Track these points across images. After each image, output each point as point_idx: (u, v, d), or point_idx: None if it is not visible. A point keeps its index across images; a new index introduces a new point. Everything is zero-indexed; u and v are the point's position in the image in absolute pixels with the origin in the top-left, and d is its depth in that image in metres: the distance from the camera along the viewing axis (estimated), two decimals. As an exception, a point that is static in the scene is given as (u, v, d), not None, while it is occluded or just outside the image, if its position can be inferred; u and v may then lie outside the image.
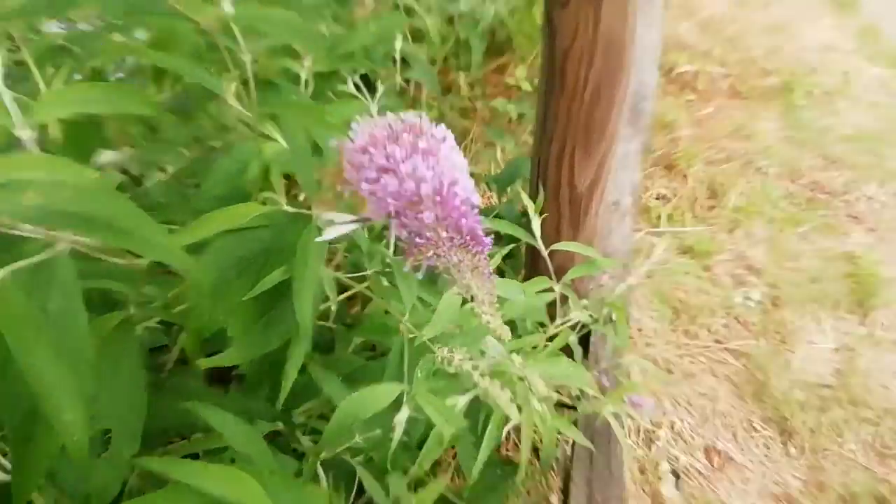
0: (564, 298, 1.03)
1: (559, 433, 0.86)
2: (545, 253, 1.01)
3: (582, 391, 1.02)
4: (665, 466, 1.58)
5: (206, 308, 0.63)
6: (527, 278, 1.05)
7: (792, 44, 3.20)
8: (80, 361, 0.49)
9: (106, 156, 0.81)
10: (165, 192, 0.90)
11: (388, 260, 0.73)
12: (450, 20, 1.88)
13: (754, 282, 2.06)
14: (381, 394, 0.69)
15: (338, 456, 0.77)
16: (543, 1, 1.10)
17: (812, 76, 2.95)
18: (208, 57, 0.88)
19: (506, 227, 1.01)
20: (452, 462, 1.29)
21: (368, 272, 0.83)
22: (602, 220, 1.33)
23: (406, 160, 0.47)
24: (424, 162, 0.47)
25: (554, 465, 1.44)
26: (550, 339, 0.98)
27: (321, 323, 0.94)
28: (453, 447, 0.85)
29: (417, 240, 0.46)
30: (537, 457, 1.33)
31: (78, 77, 0.97)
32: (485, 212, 1.46)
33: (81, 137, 0.74)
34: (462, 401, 0.72)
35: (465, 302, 0.73)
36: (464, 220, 0.46)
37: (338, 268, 0.99)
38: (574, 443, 1.15)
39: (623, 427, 1.40)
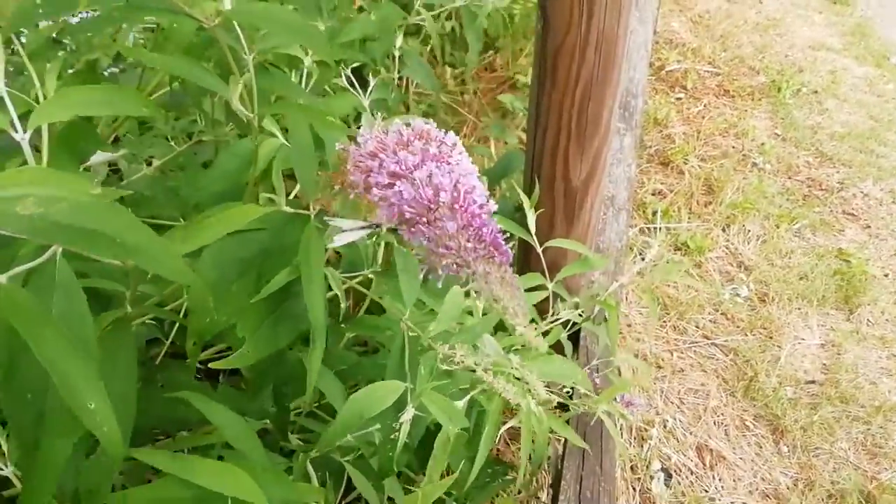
0: (556, 294, 1.02)
1: (551, 432, 0.85)
2: (538, 249, 1.00)
3: (573, 388, 1.01)
4: (656, 465, 1.58)
5: (208, 310, 0.63)
6: (520, 272, 1.05)
7: (782, 42, 3.21)
8: (90, 360, 0.48)
9: (98, 156, 0.80)
10: (150, 185, 0.89)
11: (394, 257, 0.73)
12: (445, 14, 1.87)
13: (743, 278, 2.07)
14: (385, 391, 0.68)
15: (327, 454, 0.76)
16: (537, -5, 1.09)
17: (800, 75, 2.97)
18: (206, 54, 0.87)
19: (499, 222, 1.00)
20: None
21: (367, 272, 0.83)
22: (597, 214, 1.33)
23: (420, 167, 0.47)
24: (439, 169, 0.46)
25: (546, 463, 1.44)
26: (541, 335, 0.98)
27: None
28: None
29: (441, 249, 0.45)
30: (529, 456, 1.33)
31: (71, 70, 0.96)
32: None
33: (74, 135, 0.73)
34: (460, 404, 0.71)
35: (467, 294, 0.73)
36: (485, 229, 0.46)
37: (328, 263, 0.98)
38: (566, 440, 1.15)
39: (616, 425, 1.40)
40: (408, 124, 0.51)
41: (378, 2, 1.30)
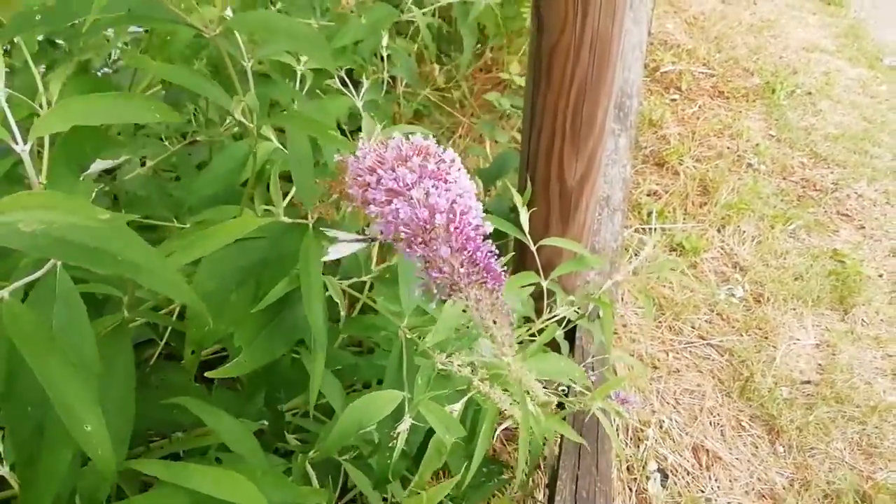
0: (551, 293, 1.02)
1: (547, 434, 0.85)
2: (533, 248, 1.00)
3: (569, 387, 1.01)
4: (652, 465, 1.58)
5: (206, 319, 0.63)
6: (515, 272, 1.05)
7: (776, 43, 3.22)
8: (90, 375, 0.49)
9: (98, 164, 0.80)
10: (144, 184, 0.89)
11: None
12: (439, 14, 1.87)
13: (738, 278, 2.07)
14: (383, 401, 0.69)
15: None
16: (532, -6, 1.09)
17: (794, 76, 2.98)
18: (199, 54, 0.87)
19: (493, 222, 1.00)
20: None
21: (365, 278, 0.83)
22: (592, 215, 1.33)
23: (417, 185, 0.47)
24: (436, 188, 0.46)
25: (542, 462, 1.44)
26: (535, 334, 0.98)
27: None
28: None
29: (434, 273, 0.45)
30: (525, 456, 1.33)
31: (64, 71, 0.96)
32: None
33: (77, 140, 0.73)
34: (457, 406, 0.71)
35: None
36: (478, 254, 0.46)
37: (324, 267, 0.99)
38: (562, 440, 1.15)
39: (612, 424, 1.40)
40: (408, 137, 0.51)
41: (363, 2, 1.30)
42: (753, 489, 1.56)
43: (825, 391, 1.77)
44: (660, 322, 1.93)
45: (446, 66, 2.36)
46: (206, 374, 0.68)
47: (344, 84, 1.07)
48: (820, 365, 1.85)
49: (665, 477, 1.57)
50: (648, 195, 2.34)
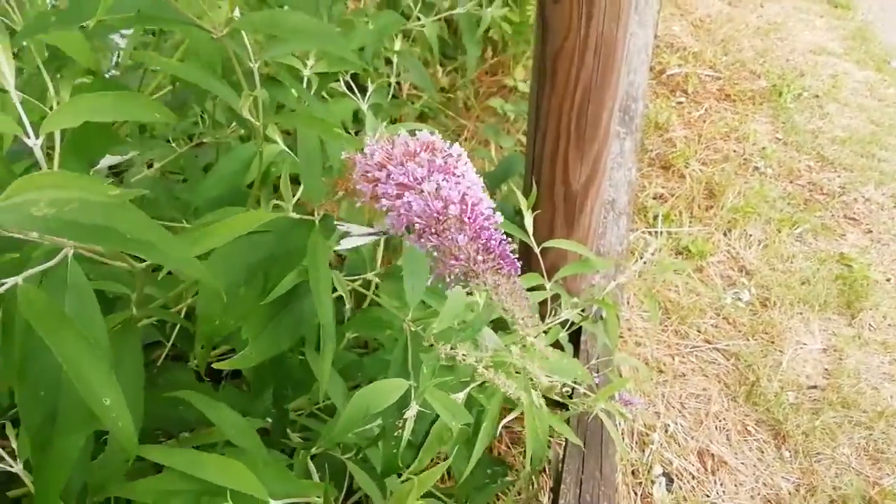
0: (556, 296, 1.02)
1: (551, 434, 0.85)
2: (537, 250, 1.01)
3: (573, 389, 1.02)
4: (657, 469, 1.58)
5: (216, 314, 0.64)
6: (520, 275, 1.05)
7: (783, 46, 3.22)
8: (104, 356, 0.50)
9: (107, 160, 0.81)
10: (152, 186, 0.90)
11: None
12: (445, 19, 1.88)
13: (745, 282, 2.07)
14: (389, 389, 0.69)
15: (327, 452, 0.76)
16: (537, -1, 1.10)
17: (801, 79, 2.97)
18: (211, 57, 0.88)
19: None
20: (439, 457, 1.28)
21: (370, 275, 0.84)
22: (597, 218, 1.33)
23: (427, 178, 0.48)
24: (447, 181, 0.47)
25: (546, 466, 1.44)
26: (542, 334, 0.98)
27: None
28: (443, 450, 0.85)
29: (450, 260, 0.46)
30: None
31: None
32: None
33: (87, 137, 0.74)
34: (460, 396, 0.72)
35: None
36: (493, 241, 0.47)
37: (330, 266, 0.99)
38: (566, 443, 1.15)
39: (616, 427, 1.39)
40: (413, 133, 0.51)
41: (364, 9, 1.31)
42: (759, 494, 1.56)
43: (832, 396, 1.76)
44: (665, 326, 1.92)
45: (450, 70, 2.37)
46: (213, 366, 0.69)
47: (350, 89, 1.07)
48: (827, 370, 1.84)
49: (670, 481, 1.56)
50: (654, 198, 2.33)
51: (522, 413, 0.75)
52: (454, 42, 2.19)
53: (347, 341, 0.94)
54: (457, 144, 0.51)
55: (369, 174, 0.50)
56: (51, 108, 0.60)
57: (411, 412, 0.67)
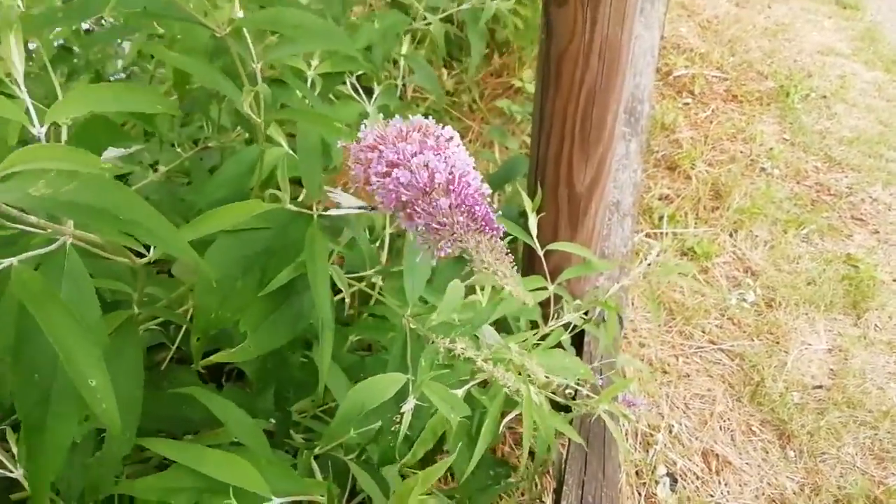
0: (559, 298, 1.03)
1: (555, 433, 0.86)
2: (540, 252, 1.01)
3: (576, 391, 1.02)
4: (662, 470, 1.58)
5: (213, 307, 0.64)
6: (524, 276, 1.05)
7: (790, 47, 3.21)
8: (96, 341, 0.50)
9: (110, 152, 0.82)
10: (157, 190, 0.91)
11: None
12: (450, 20, 1.88)
13: (750, 283, 2.07)
14: (386, 383, 0.70)
15: (330, 452, 0.77)
16: (542, 0, 1.10)
17: (808, 80, 2.96)
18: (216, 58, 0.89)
19: (503, 226, 1.01)
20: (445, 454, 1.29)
21: (370, 272, 0.84)
22: (601, 220, 1.33)
23: (417, 155, 0.48)
24: (437, 156, 0.48)
25: (549, 467, 1.44)
26: (543, 338, 0.98)
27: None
28: (446, 450, 0.86)
29: (434, 226, 0.47)
30: (533, 458, 1.33)
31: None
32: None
33: (92, 131, 0.75)
34: (459, 393, 0.72)
35: (468, 295, 0.75)
36: (477, 207, 0.47)
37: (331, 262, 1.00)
38: (569, 444, 1.15)
39: (619, 428, 1.39)
40: (406, 118, 0.52)
41: (373, 12, 1.31)
42: (764, 494, 1.56)
43: (837, 396, 1.76)
44: (670, 326, 1.92)
45: (455, 71, 2.37)
46: (210, 358, 0.69)
47: (355, 91, 1.08)
48: (832, 370, 1.84)
49: (674, 482, 1.57)
50: (660, 199, 2.33)
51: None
52: (459, 42, 2.19)
53: (351, 344, 0.95)
54: (449, 127, 0.52)
55: (362, 157, 0.51)
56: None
57: (408, 405, 0.67)
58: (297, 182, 0.75)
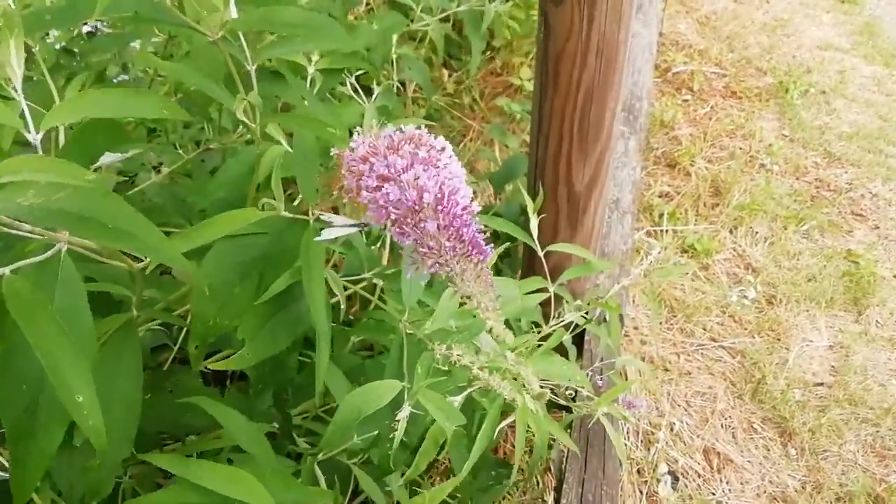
0: (559, 298, 1.03)
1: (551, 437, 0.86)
2: (540, 253, 1.01)
3: (576, 391, 1.02)
4: (663, 468, 1.59)
5: (211, 314, 0.64)
6: (524, 276, 1.05)
7: (789, 42, 3.20)
8: (86, 354, 0.50)
9: (107, 157, 0.82)
10: (160, 192, 0.91)
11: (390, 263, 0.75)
12: (449, 19, 1.88)
13: (751, 280, 2.07)
14: (382, 390, 0.69)
15: (334, 457, 0.77)
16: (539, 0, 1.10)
17: (808, 75, 2.96)
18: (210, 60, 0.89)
19: (502, 226, 1.01)
20: (447, 463, 1.29)
21: (368, 274, 0.84)
22: (601, 218, 1.33)
23: (407, 170, 0.48)
24: (426, 172, 0.48)
25: (551, 466, 1.45)
26: (544, 338, 0.98)
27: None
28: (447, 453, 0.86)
29: (421, 249, 0.47)
30: (528, 454, 1.33)
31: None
32: (484, 209, 1.47)
33: (90, 135, 0.75)
34: (457, 400, 0.72)
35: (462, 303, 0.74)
36: (465, 230, 0.47)
37: (335, 268, 1.00)
38: (570, 442, 1.15)
39: (619, 428, 1.40)
40: (400, 129, 0.52)
41: (371, 13, 1.31)
42: (765, 492, 1.56)
43: (838, 393, 1.76)
44: (671, 324, 1.92)
45: (455, 71, 2.37)
46: (208, 367, 0.69)
47: (355, 91, 1.08)
48: (833, 367, 1.84)
49: (676, 480, 1.57)
50: (660, 197, 2.33)
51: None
52: (457, 41, 2.19)
53: (353, 345, 0.95)
54: (441, 137, 0.52)
55: (355, 168, 0.51)
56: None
57: (403, 413, 0.67)
58: (294, 182, 0.75)
